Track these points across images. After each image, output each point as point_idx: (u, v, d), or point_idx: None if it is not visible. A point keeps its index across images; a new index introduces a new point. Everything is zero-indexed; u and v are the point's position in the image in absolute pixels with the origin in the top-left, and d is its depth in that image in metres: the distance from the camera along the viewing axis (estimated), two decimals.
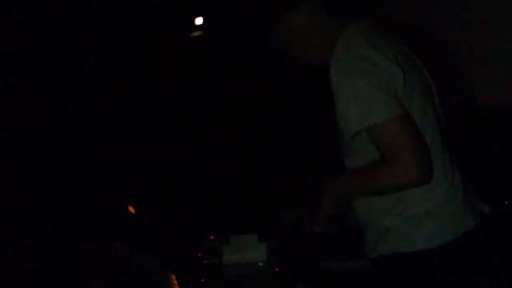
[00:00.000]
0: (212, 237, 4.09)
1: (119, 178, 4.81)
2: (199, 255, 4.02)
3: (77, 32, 4.72)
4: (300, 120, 5.11)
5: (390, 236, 2.56)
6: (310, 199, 4.02)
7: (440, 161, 2.49)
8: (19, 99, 4.33)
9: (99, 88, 4.84)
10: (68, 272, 3.89)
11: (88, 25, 4.82)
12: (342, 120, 2.48)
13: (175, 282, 3.70)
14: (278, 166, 4.96)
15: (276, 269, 3.85)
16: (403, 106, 2.39)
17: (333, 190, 2.67)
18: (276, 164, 4.93)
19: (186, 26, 5.50)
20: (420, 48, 2.78)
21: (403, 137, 2.34)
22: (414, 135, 2.38)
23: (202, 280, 3.73)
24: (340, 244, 4.20)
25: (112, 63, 4.93)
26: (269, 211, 4.55)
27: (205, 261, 3.94)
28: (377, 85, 2.36)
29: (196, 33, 5.55)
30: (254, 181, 4.86)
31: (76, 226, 4.36)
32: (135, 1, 5.17)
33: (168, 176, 5.03)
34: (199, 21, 5.65)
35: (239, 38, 5.04)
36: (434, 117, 2.57)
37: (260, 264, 3.84)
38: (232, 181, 4.88)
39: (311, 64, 2.78)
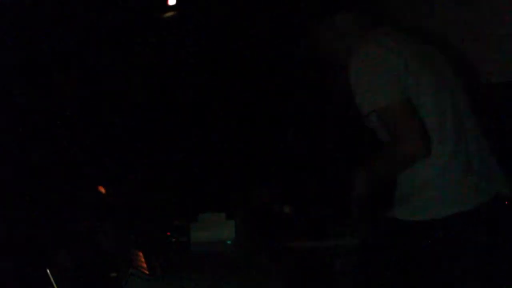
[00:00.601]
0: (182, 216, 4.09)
1: (88, 159, 4.76)
2: (168, 233, 4.01)
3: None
4: (270, 102, 5.13)
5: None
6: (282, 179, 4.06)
7: (450, 140, 2.87)
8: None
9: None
10: (35, 246, 3.85)
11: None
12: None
13: (142, 259, 3.68)
14: (248, 146, 4.96)
15: (244, 247, 3.87)
16: (404, 94, 2.82)
17: (363, 174, 2.98)
18: (245, 143, 4.92)
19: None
20: None
21: (403, 118, 2.78)
22: (412, 116, 2.80)
23: (170, 257, 3.72)
24: (308, 224, 4.24)
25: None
26: (238, 189, 4.56)
27: (173, 239, 3.93)
28: (384, 77, 2.83)
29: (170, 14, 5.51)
30: (223, 160, 4.86)
31: (45, 205, 4.31)
32: None
33: (138, 156, 5.00)
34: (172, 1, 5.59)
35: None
36: (449, 102, 2.94)
37: (228, 242, 3.85)
38: (201, 160, 4.86)
39: (332, 63, 3.22)
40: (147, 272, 3.53)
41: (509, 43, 4.34)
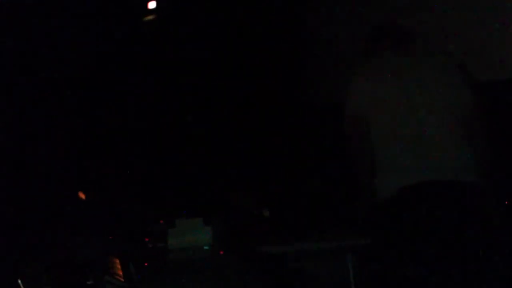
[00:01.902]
0: (161, 221, 4.05)
1: (66, 164, 4.71)
2: (146, 239, 3.97)
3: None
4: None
5: None
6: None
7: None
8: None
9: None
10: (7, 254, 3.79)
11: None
12: None
13: (119, 266, 3.64)
14: (226, 151, 4.93)
15: (222, 252, 3.83)
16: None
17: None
18: (224, 148, 4.90)
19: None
20: None
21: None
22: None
23: (146, 264, 3.67)
24: (287, 229, 4.22)
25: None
26: (216, 195, 4.53)
27: (150, 245, 3.89)
28: None
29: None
30: (201, 165, 4.83)
31: (21, 211, 4.26)
32: None
33: (116, 161, 4.95)
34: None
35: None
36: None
37: (206, 247, 3.81)
38: (179, 165, 4.82)
39: None
40: (122, 280, 3.49)
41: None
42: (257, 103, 4.96)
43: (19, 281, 2.74)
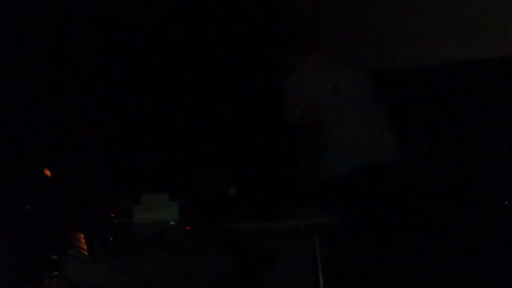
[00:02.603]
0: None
1: (34, 140, 4.65)
2: (112, 215, 3.94)
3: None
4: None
5: None
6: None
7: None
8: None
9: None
10: None
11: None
12: None
13: (83, 241, 3.61)
14: (195, 128, 4.90)
15: (187, 228, 3.82)
16: None
17: None
18: (192, 124, 4.87)
19: None
20: None
21: None
22: None
23: (111, 238, 3.64)
24: (254, 206, 4.21)
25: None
26: (182, 171, 4.51)
27: (115, 220, 3.86)
28: None
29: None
30: (168, 140, 4.79)
31: None
32: None
33: (82, 136, 4.89)
34: None
35: None
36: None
37: (172, 222, 3.79)
38: (147, 140, 4.78)
39: None
40: (87, 254, 3.46)
41: None
42: (226, 80, 4.94)
43: None
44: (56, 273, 3.43)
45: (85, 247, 3.53)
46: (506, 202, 3.92)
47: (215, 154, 4.66)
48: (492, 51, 4.22)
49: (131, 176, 4.50)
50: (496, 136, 4.08)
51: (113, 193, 4.14)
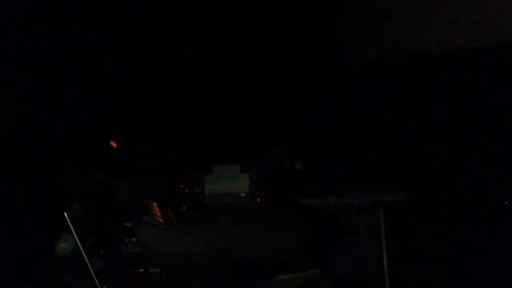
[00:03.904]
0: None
1: (99, 113, 4.74)
2: (181, 186, 4.03)
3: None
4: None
5: None
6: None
7: None
8: None
9: None
10: (47, 197, 3.87)
11: None
12: None
13: (157, 209, 3.71)
14: (263, 101, 4.93)
15: (258, 200, 3.88)
16: None
17: None
18: (260, 98, 4.91)
19: None
20: None
21: None
22: None
23: (183, 208, 3.75)
24: (321, 182, 4.26)
25: None
26: (254, 143, 4.55)
27: (186, 191, 3.95)
28: None
29: None
30: (239, 112, 4.84)
31: (57, 159, 4.32)
32: None
33: (150, 108, 4.96)
34: None
35: None
36: None
37: (243, 194, 3.86)
38: (216, 112, 4.83)
39: None
40: (162, 221, 3.57)
41: None
42: (291, 57, 4.96)
43: (65, 214, 2.81)
44: (132, 239, 3.54)
45: (159, 215, 3.64)
46: None
47: (285, 128, 4.70)
48: None
49: (204, 147, 4.56)
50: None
51: (187, 163, 4.21)
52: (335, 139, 4.72)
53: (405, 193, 3.80)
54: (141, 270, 3.51)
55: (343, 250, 3.75)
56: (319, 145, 4.68)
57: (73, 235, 3.11)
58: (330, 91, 4.83)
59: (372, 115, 4.70)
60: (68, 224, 2.98)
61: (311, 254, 3.57)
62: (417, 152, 4.43)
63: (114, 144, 4.51)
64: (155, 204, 3.77)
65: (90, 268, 2.87)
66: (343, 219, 3.85)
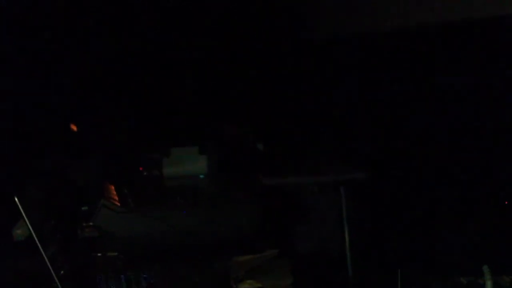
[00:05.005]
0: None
1: (58, 93, 4.67)
2: (140, 168, 3.99)
3: None
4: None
5: None
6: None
7: None
8: None
9: None
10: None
11: None
12: None
13: (114, 192, 3.67)
14: (223, 80, 4.88)
15: (216, 181, 3.86)
16: None
17: None
18: (220, 76, 4.85)
19: None
20: None
21: None
22: None
23: (141, 190, 3.71)
24: (280, 162, 4.24)
25: None
26: (212, 124, 4.52)
27: (144, 173, 3.91)
28: None
29: None
30: (197, 92, 4.79)
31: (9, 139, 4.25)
32: None
33: (109, 89, 4.89)
34: None
35: None
36: None
37: (201, 176, 3.84)
38: (176, 94, 4.78)
39: None
40: (118, 204, 3.52)
41: None
42: (254, 33, 4.91)
43: (17, 201, 2.74)
44: (89, 223, 3.49)
45: (116, 198, 3.59)
46: None
47: (242, 108, 4.66)
48: None
49: (162, 129, 4.51)
50: None
51: (145, 145, 4.16)
52: (295, 117, 4.71)
53: (366, 172, 3.79)
54: (99, 254, 3.45)
55: (303, 230, 3.74)
56: (278, 124, 4.66)
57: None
58: (291, 68, 4.81)
59: (334, 93, 4.69)
60: (19, 210, 2.90)
61: (269, 235, 3.56)
62: (378, 129, 4.44)
63: (73, 128, 4.45)
64: (112, 187, 3.73)
65: (43, 254, 2.80)
66: (303, 199, 3.84)
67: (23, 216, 3.11)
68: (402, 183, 4.17)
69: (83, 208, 3.58)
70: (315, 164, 4.08)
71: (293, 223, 3.73)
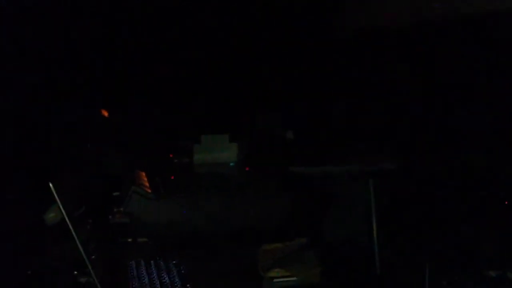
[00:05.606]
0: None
1: (91, 82, 4.71)
2: (170, 155, 4.02)
3: None
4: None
5: None
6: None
7: None
8: None
9: None
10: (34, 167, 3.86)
11: None
12: None
13: (145, 178, 3.70)
14: (254, 70, 4.89)
15: (247, 169, 3.87)
16: None
17: None
18: (251, 67, 4.86)
19: None
20: None
21: None
22: None
23: (172, 177, 3.73)
24: (310, 150, 4.24)
25: None
26: (243, 113, 4.53)
27: (175, 160, 3.94)
28: None
29: None
30: (229, 82, 4.80)
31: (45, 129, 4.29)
32: None
33: (141, 78, 4.93)
34: None
35: None
36: None
37: (231, 164, 3.85)
38: (206, 81, 4.79)
39: None
40: (149, 191, 3.56)
41: None
42: (287, 25, 4.90)
43: (52, 187, 2.78)
44: (120, 209, 3.53)
45: (147, 184, 3.63)
46: None
47: (273, 97, 4.67)
48: None
49: (193, 117, 4.53)
50: None
51: (176, 132, 4.19)
52: (326, 108, 4.70)
53: (396, 162, 3.78)
54: (129, 239, 3.50)
55: (332, 219, 3.74)
56: (309, 114, 4.66)
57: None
58: (321, 60, 4.79)
59: (363, 84, 4.68)
60: (53, 194, 2.95)
61: (299, 224, 3.57)
62: (408, 121, 4.42)
63: (105, 113, 4.49)
64: (143, 174, 3.77)
65: (76, 239, 2.84)
66: (332, 188, 3.84)
67: (57, 202, 3.16)
68: (431, 176, 4.15)
69: (114, 194, 3.62)
70: (344, 154, 4.08)
71: (322, 213, 3.74)
